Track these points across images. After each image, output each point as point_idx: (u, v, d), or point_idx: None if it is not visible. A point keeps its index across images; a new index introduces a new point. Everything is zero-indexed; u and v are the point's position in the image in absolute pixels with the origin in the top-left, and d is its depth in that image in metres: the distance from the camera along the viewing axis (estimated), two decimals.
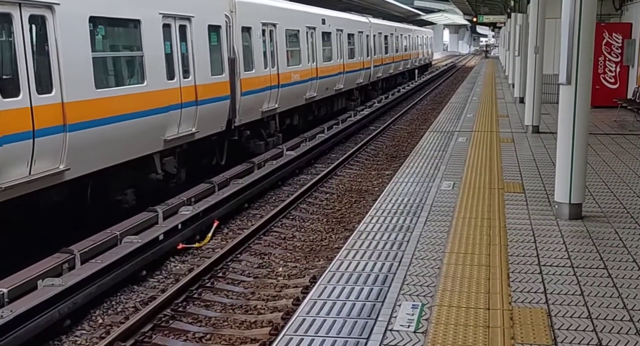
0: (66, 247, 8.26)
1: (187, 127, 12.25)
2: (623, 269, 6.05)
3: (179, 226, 9.87)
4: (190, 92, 12.28)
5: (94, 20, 9.66)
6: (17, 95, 8.13)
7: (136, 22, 10.76)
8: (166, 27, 11.65)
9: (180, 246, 9.73)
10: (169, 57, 11.71)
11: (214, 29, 13.58)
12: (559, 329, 4.80)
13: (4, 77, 8.19)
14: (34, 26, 8.54)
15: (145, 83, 10.86)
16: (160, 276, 8.91)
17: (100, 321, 7.47)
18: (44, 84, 8.61)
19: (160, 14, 11.41)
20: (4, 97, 7.92)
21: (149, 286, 8.56)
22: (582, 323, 4.91)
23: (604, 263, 6.20)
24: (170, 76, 11.70)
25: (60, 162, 8.85)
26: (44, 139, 8.46)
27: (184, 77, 12.17)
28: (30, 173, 8.33)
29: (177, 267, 9.25)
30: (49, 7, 8.65)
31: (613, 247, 6.69)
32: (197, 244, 10.02)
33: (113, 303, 7.94)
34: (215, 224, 10.70)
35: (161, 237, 9.32)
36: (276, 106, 17.19)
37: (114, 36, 10.93)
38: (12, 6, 8.07)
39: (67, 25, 8.95)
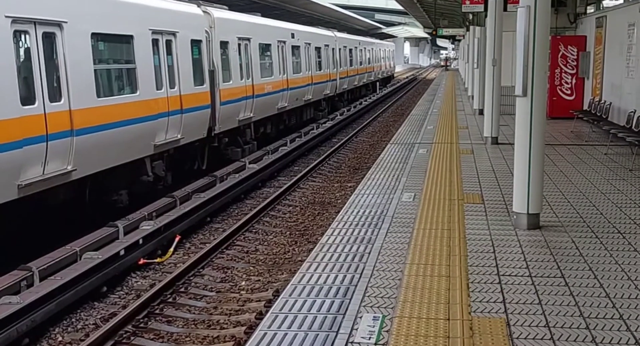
0: (24, 264, 8.14)
1: (174, 134, 13.25)
2: (580, 278, 6.17)
3: (140, 241, 9.79)
4: (176, 101, 13.31)
5: (95, 37, 10.66)
6: (33, 103, 9.11)
7: (129, 38, 11.77)
8: (155, 41, 12.71)
9: (142, 261, 9.65)
10: (157, 69, 12.73)
11: (195, 43, 14.63)
12: (517, 338, 4.87)
13: (23, 87, 9.02)
14: (46, 42, 9.51)
15: (138, 93, 11.87)
16: (122, 292, 8.81)
17: (60, 339, 7.36)
18: (54, 93, 9.61)
19: (150, 29, 12.44)
20: (23, 104, 8.86)
21: (109, 302, 8.46)
22: (540, 331, 4.99)
23: (561, 272, 6.32)
24: (159, 86, 12.71)
25: (68, 164, 9.80)
26: (55, 143, 9.44)
27: (171, 88, 13.18)
28: (44, 173, 9.27)
29: (139, 283, 9.16)
30: (58, 25, 9.67)
31: (570, 256, 6.81)
32: (158, 259, 9.94)
33: (73, 320, 7.83)
34: (177, 239, 10.63)
35: (122, 252, 9.24)
36: (251, 115, 18.13)
37: (111, 50, 11.87)
38: (29, 24, 9.10)
39: (73, 41, 9.98)
